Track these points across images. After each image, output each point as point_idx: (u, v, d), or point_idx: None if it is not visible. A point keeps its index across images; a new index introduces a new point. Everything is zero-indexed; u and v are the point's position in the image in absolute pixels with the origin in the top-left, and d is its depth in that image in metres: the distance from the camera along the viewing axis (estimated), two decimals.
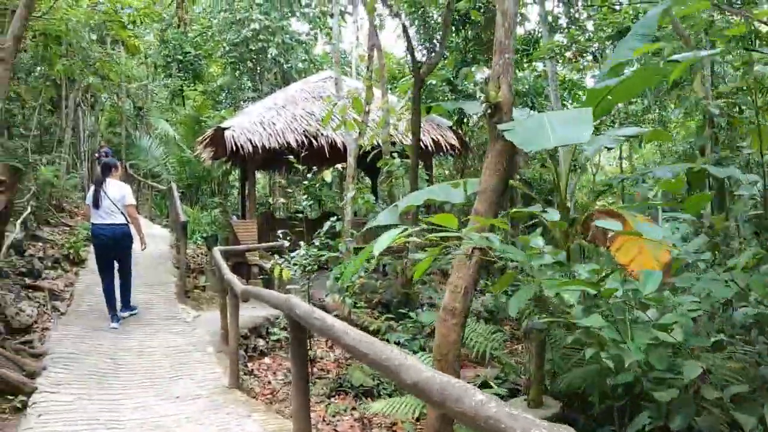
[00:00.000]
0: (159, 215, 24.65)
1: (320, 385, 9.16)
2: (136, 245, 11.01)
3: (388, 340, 9.98)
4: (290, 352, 5.47)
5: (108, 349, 9.24)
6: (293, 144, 15.22)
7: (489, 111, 6.24)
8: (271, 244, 12.83)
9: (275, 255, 11.60)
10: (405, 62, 25.01)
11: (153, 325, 10.63)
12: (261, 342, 10.79)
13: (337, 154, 15.81)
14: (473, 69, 17.82)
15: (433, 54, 14.81)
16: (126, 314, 10.72)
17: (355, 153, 13.89)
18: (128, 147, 28.66)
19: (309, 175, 11.02)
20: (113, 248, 10.40)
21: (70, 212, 18.84)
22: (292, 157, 11.09)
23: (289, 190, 25.19)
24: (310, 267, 9.91)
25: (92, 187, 10.57)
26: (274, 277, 13.80)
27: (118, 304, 10.62)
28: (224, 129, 15.30)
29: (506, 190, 6.38)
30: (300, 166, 10.92)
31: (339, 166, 13.08)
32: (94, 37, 19.75)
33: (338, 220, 10.69)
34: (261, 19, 25.36)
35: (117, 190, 10.46)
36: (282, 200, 23.39)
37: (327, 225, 10.14)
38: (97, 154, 26.11)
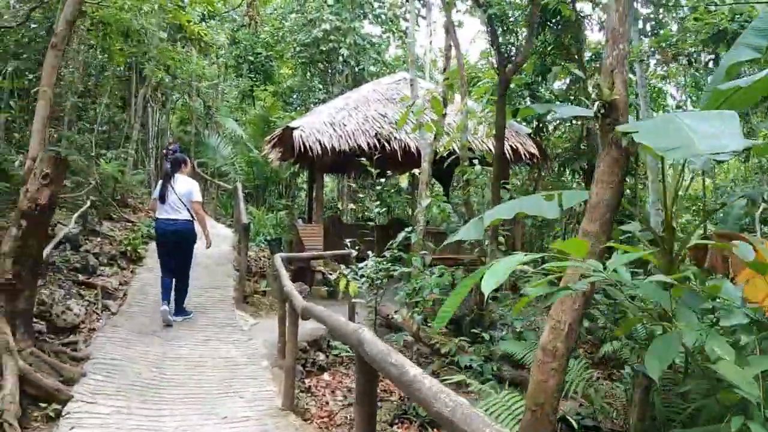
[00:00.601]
0: (224, 214, 24.00)
1: (382, 411, 8.20)
2: (200, 244, 10.67)
3: (458, 363, 9.01)
4: (355, 395, 4.53)
5: (155, 356, 8.48)
6: (364, 147, 14.37)
7: (602, 111, 5.19)
8: (338, 252, 11.94)
9: (342, 264, 10.68)
10: (480, 66, 23.94)
11: (206, 331, 9.83)
12: (321, 356, 9.86)
13: (410, 159, 14.87)
14: (555, 70, 16.70)
15: (517, 54, 13.72)
16: (179, 319, 10.16)
17: (429, 158, 12.95)
18: (197, 145, 28.22)
19: (382, 180, 10.09)
20: (176, 244, 10.11)
21: (134, 208, 18.32)
22: (365, 159, 10.14)
23: (361, 195, 24.41)
24: (379, 281, 8.98)
25: (160, 182, 10.34)
26: (338, 288, 13.02)
27: (172, 307, 10.20)
28: (293, 129, 14.50)
29: (618, 205, 5.31)
30: (372, 170, 9.97)
31: (416, 171, 12.07)
32: (164, 35, 19.43)
33: (412, 231, 9.75)
34: (332, 19, 24.60)
35: (185, 185, 10.21)
36: (352, 206, 22.53)
37: (401, 236, 9.22)
38: (165, 151, 25.77)
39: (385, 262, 9.09)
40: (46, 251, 9.42)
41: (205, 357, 8.69)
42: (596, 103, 5.25)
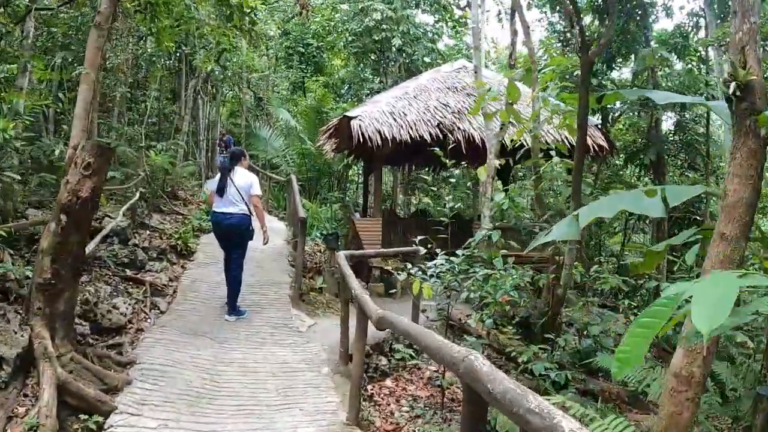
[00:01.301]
0: (277, 207, 23.35)
1: (454, 426, 7.38)
2: (257, 241, 10.17)
3: (532, 371, 8.20)
4: None
5: (207, 361, 7.74)
6: (426, 137, 13.53)
7: (737, 93, 4.30)
8: (405, 249, 11.07)
9: (407, 262, 9.84)
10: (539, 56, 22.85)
11: (261, 333, 9.07)
12: (383, 360, 9.04)
13: (474, 151, 14.00)
14: (644, 53, 15.64)
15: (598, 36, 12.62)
16: (233, 318, 9.57)
17: (496, 150, 12.12)
18: (248, 137, 27.72)
19: (455, 172, 9.26)
20: (232, 237, 9.79)
21: (184, 200, 17.73)
22: (438, 149, 9.27)
23: (432, 188, 23.61)
24: (456, 284, 8.15)
25: (218, 174, 9.93)
26: (397, 284, 12.28)
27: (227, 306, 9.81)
28: (351, 118, 13.70)
29: (757, 204, 4.43)
30: (447, 160, 9.11)
31: (497, 162, 11.22)
32: (213, 23, 18.91)
33: (494, 228, 8.91)
34: (383, 9, 23.73)
35: (244, 178, 9.80)
36: (426, 199, 21.53)
37: (480, 234, 8.37)
38: (218, 141, 25.41)
39: (463, 263, 8.21)
40: (90, 246, 8.79)
41: (260, 362, 7.94)
42: (731, 84, 4.35)
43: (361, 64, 27.72)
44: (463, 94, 15.21)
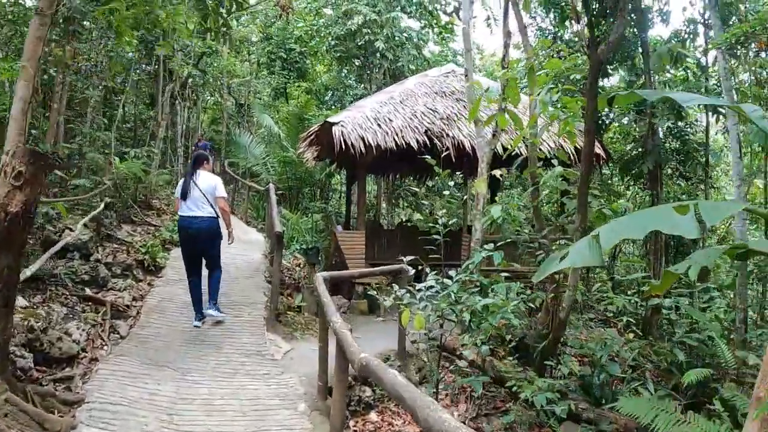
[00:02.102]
0: (256, 217, 22.28)
1: None
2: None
3: (531, 402, 7.25)
4: None
5: (167, 398, 6.77)
6: (413, 145, 12.58)
7: None
8: (389, 268, 10.05)
9: (393, 282, 8.89)
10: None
11: (231, 362, 8.08)
12: (367, 391, 8.03)
13: (464, 159, 13.09)
14: (660, 51, 14.68)
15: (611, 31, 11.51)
16: (213, 312, 9.45)
17: (488, 159, 11.18)
18: (227, 144, 26.72)
19: (450, 184, 8.34)
20: (201, 242, 9.42)
21: (158, 210, 16.65)
22: (429, 158, 8.30)
23: (422, 201, 22.61)
24: (453, 314, 7.21)
25: (182, 179, 9.82)
26: (381, 303, 11.42)
27: (205, 303, 9.51)
28: (332, 124, 12.70)
29: None
30: (439, 170, 8.14)
31: (497, 172, 10.27)
32: (191, 26, 18.00)
33: (496, 249, 7.97)
34: (367, 12, 22.81)
35: (208, 180, 9.54)
36: (417, 215, 20.50)
37: (479, 256, 7.41)
38: (194, 148, 24.41)
39: (459, 290, 7.25)
40: (35, 266, 7.76)
41: (228, 398, 6.97)
42: None
43: (345, 70, 26.84)
44: (452, 100, 14.27)
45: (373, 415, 7.75)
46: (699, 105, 18.26)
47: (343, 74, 27.24)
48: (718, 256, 5.59)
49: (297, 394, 7.28)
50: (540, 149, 12.06)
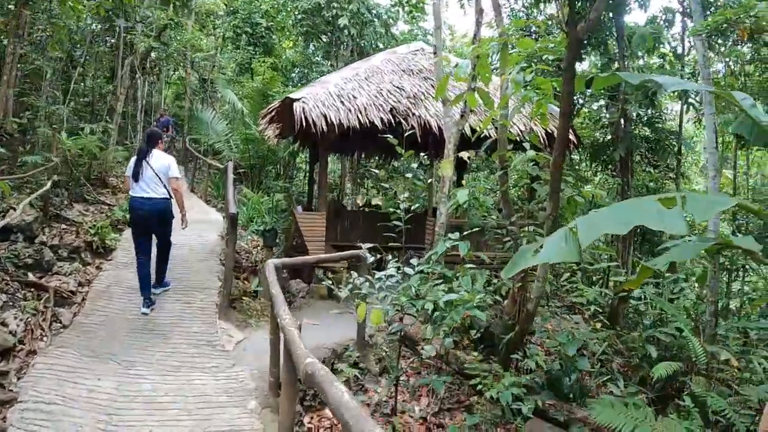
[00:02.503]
0: (216, 196, 21.55)
1: None
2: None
3: (497, 398, 6.92)
4: None
5: (107, 395, 6.26)
6: (377, 123, 12.02)
7: None
8: (348, 254, 9.52)
9: (352, 269, 8.43)
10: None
11: (178, 354, 7.56)
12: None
13: (431, 140, 12.63)
14: (641, 32, 14.25)
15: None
16: (159, 291, 9.36)
17: (455, 140, 10.74)
18: (190, 120, 25.96)
19: (415, 165, 7.87)
20: (153, 223, 9.14)
21: (114, 188, 15.95)
22: (391, 137, 7.79)
23: (384, 185, 22.06)
24: (415, 309, 6.74)
25: (134, 158, 9.33)
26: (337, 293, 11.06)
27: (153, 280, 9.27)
28: (294, 100, 12.12)
29: None
30: (402, 150, 7.64)
31: (464, 154, 9.75)
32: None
33: (467, 236, 7.51)
34: None
35: (161, 160, 9.18)
36: (377, 200, 19.95)
37: (444, 246, 6.97)
38: (155, 123, 23.73)
39: (421, 282, 6.77)
40: None
41: (173, 395, 6.47)
42: None
43: (312, 46, 26.20)
44: (419, 78, 13.72)
45: (328, 411, 7.30)
46: (672, 93, 18.07)
47: (310, 51, 26.63)
48: (698, 252, 5.18)
49: (247, 389, 6.81)
50: (510, 132, 11.65)
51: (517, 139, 11.86)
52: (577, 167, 19.56)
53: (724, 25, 11.64)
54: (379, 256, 8.34)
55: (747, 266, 14.89)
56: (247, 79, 26.83)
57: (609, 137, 17.17)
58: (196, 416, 6.03)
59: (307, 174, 19.82)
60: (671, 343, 9.14)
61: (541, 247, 4.12)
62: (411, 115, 12.38)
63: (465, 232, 7.98)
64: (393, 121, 12.13)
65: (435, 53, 11.56)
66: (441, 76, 10.90)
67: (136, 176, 8.93)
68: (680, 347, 9.09)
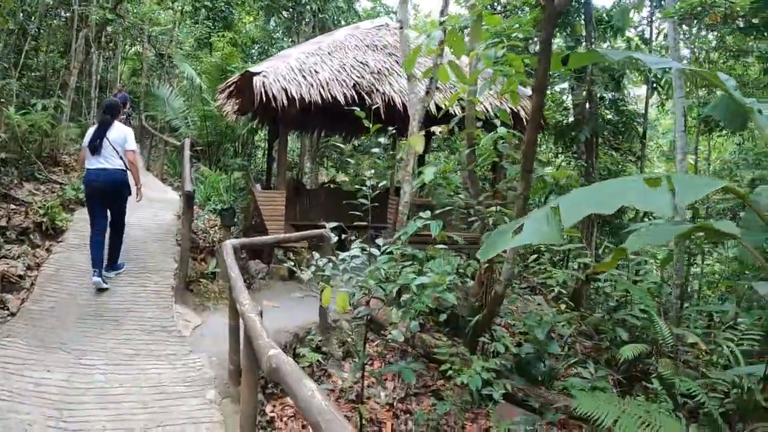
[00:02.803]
0: (173, 174, 20.90)
1: None
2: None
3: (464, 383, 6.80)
4: None
5: (57, 388, 5.87)
6: (340, 99, 11.62)
7: None
8: (309, 234, 9.16)
9: (314, 250, 8.08)
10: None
11: (133, 341, 7.17)
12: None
13: (395, 116, 12.21)
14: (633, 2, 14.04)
15: None
16: (113, 275, 8.96)
17: (420, 117, 10.47)
18: (146, 96, 25.23)
19: (381, 141, 7.55)
20: (109, 196, 8.91)
21: (66, 166, 15.31)
22: (359, 109, 7.39)
23: (348, 159, 21.59)
24: (382, 292, 6.41)
25: (92, 129, 9.08)
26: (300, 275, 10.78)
27: (105, 263, 8.89)
28: (253, 74, 11.66)
29: None
30: (369, 124, 7.26)
31: (437, 128, 9.40)
32: None
33: (435, 217, 7.19)
34: None
35: (118, 132, 8.99)
36: (342, 177, 19.50)
37: (414, 225, 6.65)
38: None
39: (388, 264, 6.42)
40: None
41: (127, 386, 6.09)
42: None
43: (273, 21, 25.57)
44: (384, 54, 13.31)
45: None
46: (637, 77, 17.93)
47: (271, 26, 26.01)
48: (674, 236, 4.93)
49: (206, 378, 6.45)
50: (475, 110, 11.37)
51: (485, 117, 11.61)
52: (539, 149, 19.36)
53: (698, 8, 11.45)
54: (343, 235, 8.02)
55: (709, 250, 14.87)
56: (206, 54, 26.17)
57: (572, 119, 17.00)
58: (152, 408, 5.67)
59: (266, 152, 19.37)
60: (637, 325, 9.02)
61: (521, 228, 3.89)
62: (375, 91, 12.01)
63: (432, 212, 7.67)
64: (356, 97, 11.75)
65: (401, 27, 11.17)
66: (407, 51, 10.59)
67: (96, 149, 8.68)
68: (645, 329, 9.01)
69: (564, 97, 18.37)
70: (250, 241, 9.00)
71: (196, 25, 27.57)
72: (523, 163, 7.44)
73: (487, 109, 12.12)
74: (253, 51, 26.32)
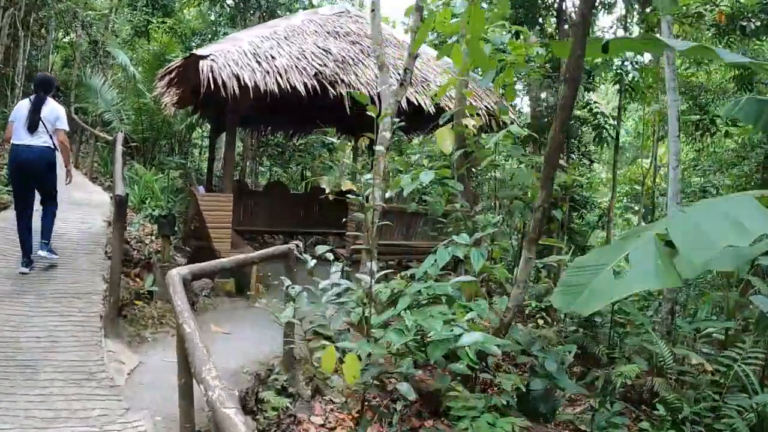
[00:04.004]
0: (104, 173, 18.77)
1: None
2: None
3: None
4: None
5: None
6: (300, 89, 9.92)
7: None
8: (274, 251, 7.33)
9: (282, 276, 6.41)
10: None
11: (50, 397, 5.38)
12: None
13: (361, 111, 10.63)
14: None
15: None
16: (44, 253, 8.21)
17: (393, 111, 8.92)
18: (78, 87, 23.05)
19: (334, 140, 6.08)
20: (38, 172, 8.26)
21: None
22: (355, 92, 5.81)
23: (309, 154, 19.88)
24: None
25: (23, 103, 8.43)
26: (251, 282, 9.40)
27: (35, 244, 8.27)
28: (200, 57, 9.83)
29: None
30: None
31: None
32: None
33: (450, 246, 5.65)
34: None
35: (51, 110, 8.36)
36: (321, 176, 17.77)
37: (443, 254, 5.14)
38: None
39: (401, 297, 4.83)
40: None
41: None
42: None
43: (214, 12, 23.63)
44: (347, 42, 11.62)
45: None
46: (606, 76, 16.85)
47: (216, 16, 24.07)
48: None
49: None
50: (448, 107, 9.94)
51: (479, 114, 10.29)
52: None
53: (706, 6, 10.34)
54: (296, 243, 6.53)
55: None
56: (144, 43, 24.12)
57: (545, 119, 15.79)
58: None
59: (205, 150, 17.62)
60: (620, 342, 8.28)
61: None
62: (339, 81, 10.36)
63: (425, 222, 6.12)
64: (318, 88, 10.09)
65: (373, 10, 9.60)
66: (379, 36, 9.11)
67: (33, 126, 8.08)
68: (633, 345, 8.28)
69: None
70: (203, 268, 6.88)
71: (135, 12, 25.45)
72: (544, 170, 5.91)
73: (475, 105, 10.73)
74: (193, 44, 24.27)
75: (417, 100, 10.65)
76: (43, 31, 23.55)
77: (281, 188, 15.93)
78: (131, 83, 20.10)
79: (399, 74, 9.57)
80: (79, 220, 9.88)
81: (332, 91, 10.12)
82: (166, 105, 13.34)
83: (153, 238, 10.45)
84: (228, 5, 22.92)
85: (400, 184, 7.24)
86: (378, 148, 9.18)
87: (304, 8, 21.46)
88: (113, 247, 7.52)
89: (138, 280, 8.85)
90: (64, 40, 27.87)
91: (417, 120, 11.79)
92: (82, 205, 10.64)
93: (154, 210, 10.30)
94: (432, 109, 10.76)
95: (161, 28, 21.95)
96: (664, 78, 11.46)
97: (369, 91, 10.28)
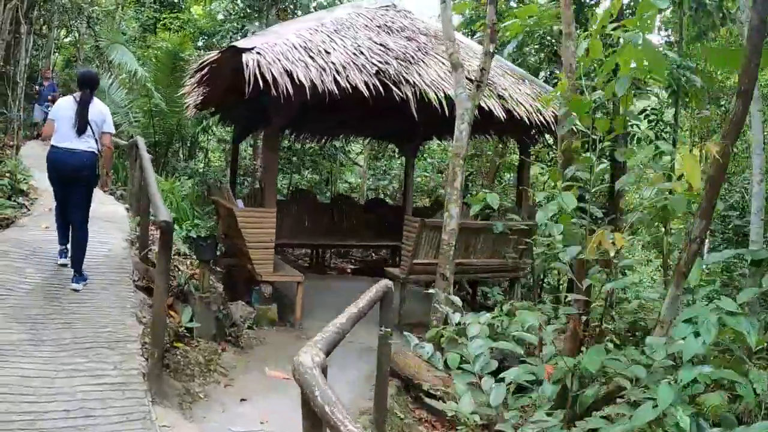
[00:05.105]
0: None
1: None
2: None
3: None
4: None
5: None
6: (362, 89, 8.42)
7: None
8: (373, 298, 5.44)
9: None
10: None
11: None
12: None
13: (427, 116, 9.11)
14: None
15: None
16: (78, 286, 6.79)
17: (469, 117, 7.54)
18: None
19: None
20: (78, 181, 7.19)
21: None
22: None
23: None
24: None
25: (66, 101, 7.33)
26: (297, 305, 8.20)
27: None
28: (242, 51, 8.21)
29: None
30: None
31: None
32: None
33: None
34: None
35: (99, 111, 7.40)
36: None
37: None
38: (37, 86, 19.45)
39: None
40: None
41: None
42: None
43: (227, 4, 22.11)
44: (401, 37, 10.07)
45: None
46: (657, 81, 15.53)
47: (222, 15, 22.58)
48: None
49: None
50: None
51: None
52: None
53: None
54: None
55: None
56: (156, 39, 22.62)
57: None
58: None
59: (211, 154, 16.11)
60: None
61: None
62: (404, 81, 8.82)
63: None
64: (381, 89, 8.57)
65: (444, 1, 8.20)
66: (450, 33, 7.97)
67: (82, 129, 7.06)
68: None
69: None
70: (329, 341, 4.21)
71: (142, 8, 23.96)
72: (705, 196, 4.39)
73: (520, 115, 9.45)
74: (200, 43, 22.65)
75: (487, 105, 9.16)
76: (44, 29, 22.33)
77: (306, 196, 14.54)
78: (140, 83, 18.49)
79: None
80: (96, 240, 7.98)
81: (397, 92, 8.60)
82: (187, 106, 11.80)
83: (181, 259, 8.76)
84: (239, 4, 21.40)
85: (485, 200, 5.69)
86: (456, 160, 7.86)
87: (322, 5, 19.91)
88: (157, 288, 5.66)
89: (172, 313, 7.14)
90: (65, 39, 26.48)
91: (482, 125, 10.38)
92: (96, 219, 8.74)
93: (189, 231, 8.69)
94: (503, 114, 9.33)
95: (173, 25, 20.44)
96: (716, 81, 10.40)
97: (436, 93, 8.82)
